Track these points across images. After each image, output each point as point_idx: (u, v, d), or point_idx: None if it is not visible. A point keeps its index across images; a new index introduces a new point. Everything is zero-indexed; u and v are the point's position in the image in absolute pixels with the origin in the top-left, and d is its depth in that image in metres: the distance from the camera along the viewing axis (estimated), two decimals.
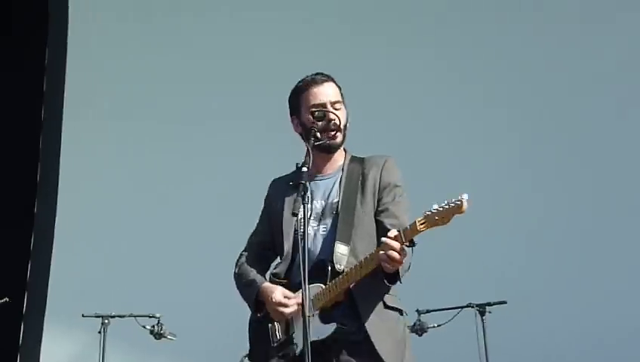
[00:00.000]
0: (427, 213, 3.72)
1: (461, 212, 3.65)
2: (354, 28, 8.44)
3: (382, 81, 8.15)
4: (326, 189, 4.14)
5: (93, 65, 8.41)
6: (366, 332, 3.89)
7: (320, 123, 4.06)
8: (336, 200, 4.10)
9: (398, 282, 3.92)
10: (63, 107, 8.31)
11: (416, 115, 8.15)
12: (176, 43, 8.49)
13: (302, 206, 3.72)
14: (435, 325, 6.79)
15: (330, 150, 4.15)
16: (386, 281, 3.88)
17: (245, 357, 4.20)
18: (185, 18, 8.59)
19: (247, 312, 4.22)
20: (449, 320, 6.73)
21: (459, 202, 3.64)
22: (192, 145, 8.18)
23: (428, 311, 6.79)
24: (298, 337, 3.89)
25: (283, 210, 4.13)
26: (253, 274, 4.17)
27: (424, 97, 8.21)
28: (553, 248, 7.67)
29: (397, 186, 4.14)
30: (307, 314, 3.57)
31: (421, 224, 3.71)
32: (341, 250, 3.97)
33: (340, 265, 3.94)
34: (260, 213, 4.38)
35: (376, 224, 4.08)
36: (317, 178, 4.17)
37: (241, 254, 4.30)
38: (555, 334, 7.37)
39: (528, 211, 7.72)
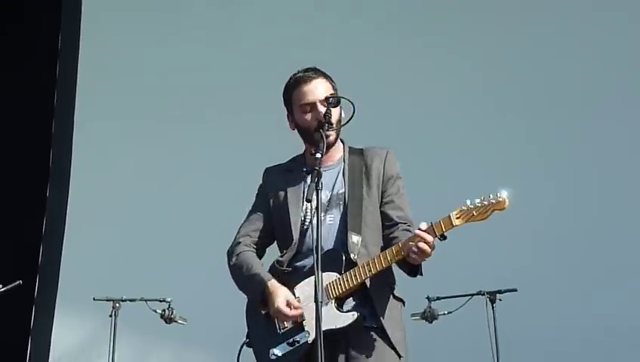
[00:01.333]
0: (463, 207, 3.71)
1: (502, 208, 3.63)
2: (357, 24, 8.43)
3: (387, 75, 8.14)
4: (330, 180, 4.10)
5: (105, 56, 8.44)
6: (380, 321, 3.92)
7: (333, 110, 4.02)
8: (341, 191, 4.09)
9: (419, 275, 3.94)
10: (75, 92, 8.33)
11: (427, 108, 8.16)
12: (188, 39, 8.52)
13: (315, 192, 3.70)
14: (446, 312, 6.78)
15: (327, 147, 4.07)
16: (406, 273, 3.92)
17: (244, 344, 4.16)
18: (195, 16, 8.60)
19: None
20: (459, 308, 6.72)
21: (500, 198, 3.63)
22: (204, 134, 8.20)
23: (438, 298, 6.79)
24: (310, 325, 3.87)
25: (287, 198, 4.12)
26: (255, 267, 4.12)
27: (432, 91, 8.21)
28: (564, 236, 7.65)
29: (399, 178, 4.17)
30: (320, 300, 3.55)
31: (457, 218, 3.71)
32: (354, 240, 3.97)
33: (355, 254, 3.94)
34: (254, 202, 4.34)
35: (382, 215, 4.10)
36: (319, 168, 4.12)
37: (236, 243, 4.23)
38: (565, 322, 7.36)
39: (539, 199, 7.69)
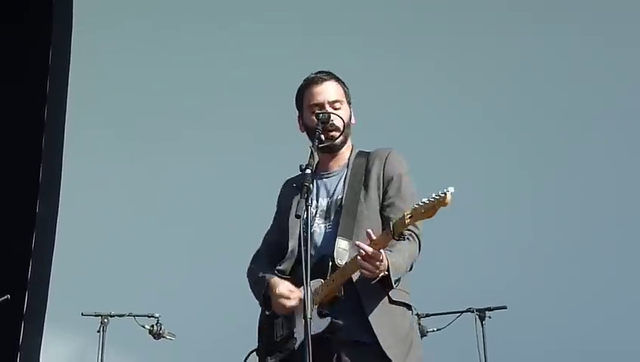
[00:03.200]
0: (415, 205, 3.71)
1: (445, 204, 3.63)
2: (356, 36, 8.45)
3: (379, 84, 8.15)
4: (331, 187, 4.13)
5: (97, 67, 8.44)
6: (369, 326, 3.84)
7: (323, 125, 4.03)
8: (340, 196, 4.08)
9: (395, 286, 3.83)
10: (65, 107, 8.33)
11: (416, 121, 8.16)
12: (181, 49, 8.51)
13: (305, 208, 3.68)
14: (435, 329, 6.77)
15: (332, 150, 4.14)
16: (379, 285, 3.83)
17: (252, 351, 4.19)
18: (190, 26, 8.60)
19: (246, 312, 4.27)
20: (449, 324, 6.72)
21: (443, 195, 3.64)
22: (192, 148, 8.20)
23: (427, 315, 6.77)
24: (299, 332, 3.88)
25: (289, 210, 4.12)
26: (262, 271, 4.13)
27: (422, 99, 8.23)
28: (553, 253, 7.66)
29: (401, 176, 4.11)
30: (309, 315, 3.54)
31: (409, 217, 3.70)
32: (342, 245, 3.93)
33: (341, 260, 3.89)
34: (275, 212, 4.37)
35: (383, 219, 4.02)
36: (323, 176, 4.17)
37: (257, 251, 4.30)
38: (555, 339, 7.36)
39: (528, 216, 7.73)
